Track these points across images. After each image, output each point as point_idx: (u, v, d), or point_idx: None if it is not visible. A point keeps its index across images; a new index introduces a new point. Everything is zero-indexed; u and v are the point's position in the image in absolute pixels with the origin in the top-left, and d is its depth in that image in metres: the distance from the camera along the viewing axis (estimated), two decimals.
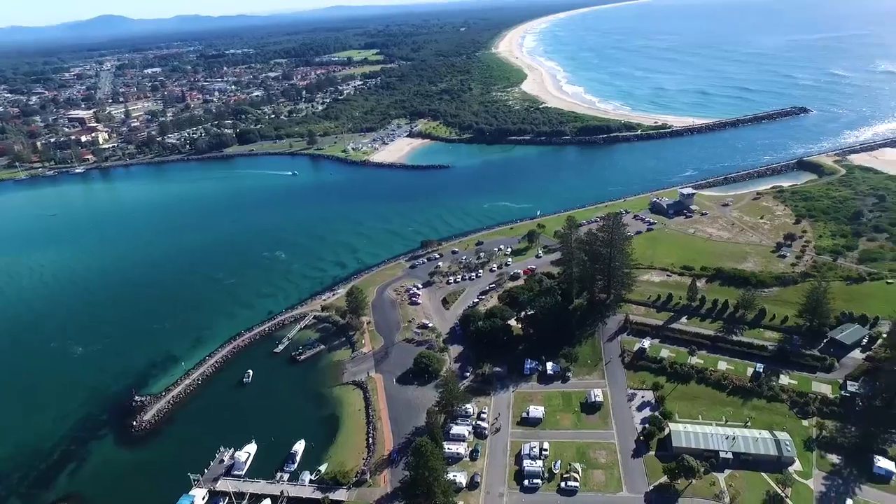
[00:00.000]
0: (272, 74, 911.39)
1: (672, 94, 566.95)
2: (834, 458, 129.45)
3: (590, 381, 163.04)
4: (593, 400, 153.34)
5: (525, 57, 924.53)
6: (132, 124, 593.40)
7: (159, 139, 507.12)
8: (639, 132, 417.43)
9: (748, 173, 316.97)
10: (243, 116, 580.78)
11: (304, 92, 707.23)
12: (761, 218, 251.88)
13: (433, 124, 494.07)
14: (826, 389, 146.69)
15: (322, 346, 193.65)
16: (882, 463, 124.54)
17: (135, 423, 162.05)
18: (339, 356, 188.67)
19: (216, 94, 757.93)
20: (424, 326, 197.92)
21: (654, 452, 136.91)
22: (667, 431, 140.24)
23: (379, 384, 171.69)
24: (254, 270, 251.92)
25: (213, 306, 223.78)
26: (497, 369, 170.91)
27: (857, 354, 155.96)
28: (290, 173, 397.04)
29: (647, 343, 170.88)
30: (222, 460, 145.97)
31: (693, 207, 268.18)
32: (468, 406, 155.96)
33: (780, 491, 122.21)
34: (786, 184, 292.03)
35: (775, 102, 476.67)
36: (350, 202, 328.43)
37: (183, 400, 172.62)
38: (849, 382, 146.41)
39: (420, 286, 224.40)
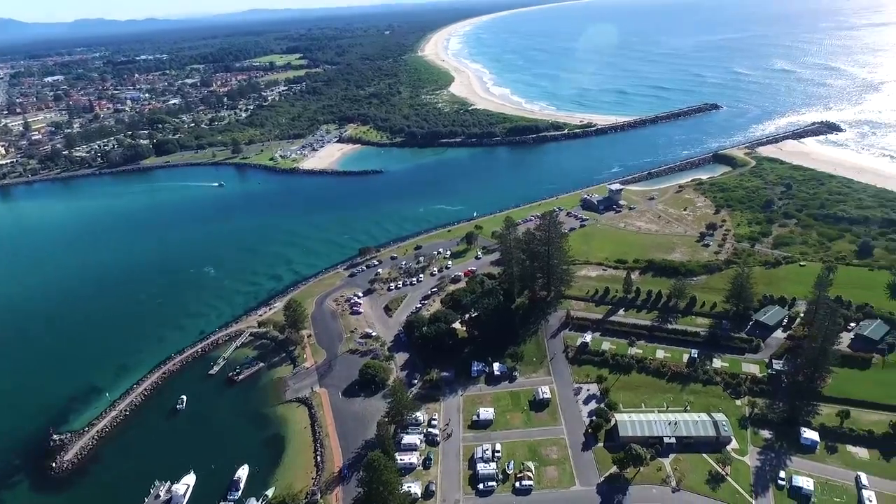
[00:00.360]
0: (189, 81, 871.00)
1: (594, 93, 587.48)
2: (766, 434, 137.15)
3: (536, 379, 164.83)
4: (541, 397, 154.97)
5: (451, 59, 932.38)
6: (33, 137, 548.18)
7: (66, 153, 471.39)
8: (566, 131, 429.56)
9: (669, 167, 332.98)
10: (160, 126, 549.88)
11: (225, 99, 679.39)
12: (684, 209, 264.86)
13: (363, 129, 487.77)
14: (755, 369, 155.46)
15: (261, 364, 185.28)
16: (808, 434, 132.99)
17: (54, 464, 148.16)
18: (280, 373, 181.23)
19: (128, 102, 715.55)
20: (368, 336, 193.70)
21: (602, 444, 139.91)
22: (613, 422, 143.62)
23: (324, 399, 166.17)
24: (182, 289, 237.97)
25: (138, 330, 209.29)
26: (445, 374, 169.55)
27: (779, 334, 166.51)
28: (216, 184, 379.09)
29: (588, 337, 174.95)
30: (158, 495, 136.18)
31: (622, 202, 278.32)
32: (418, 414, 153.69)
33: (720, 470, 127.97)
34: (704, 176, 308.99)
35: (688, 100, 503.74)
36: (282, 212, 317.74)
37: (110, 434, 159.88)
38: (774, 361, 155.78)
39: (361, 294, 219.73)
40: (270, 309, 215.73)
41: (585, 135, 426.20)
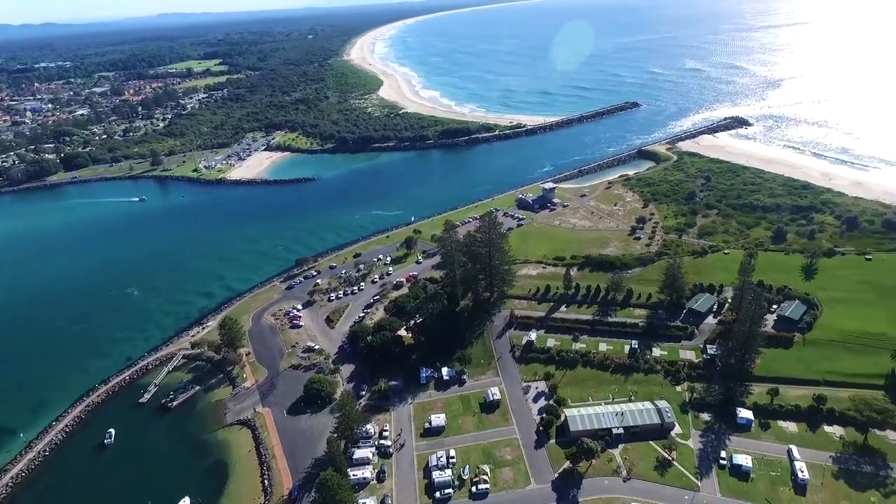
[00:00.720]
0: (98, 90, 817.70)
1: (520, 94, 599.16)
2: (705, 417, 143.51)
3: (485, 381, 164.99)
4: (491, 399, 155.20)
5: (378, 63, 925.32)
6: None
7: None
8: (497, 132, 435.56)
9: (598, 165, 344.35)
10: (67, 139, 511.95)
11: (139, 108, 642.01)
12: (615, 205, 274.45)
13: (292, 136, 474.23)
14: (691, 355, 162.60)
15: (197, 388, 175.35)
16: (743, 413, 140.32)
17: None
18: (219, 395, 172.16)
19: (28, 114, 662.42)
20: (310, 349, 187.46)
21: (554, 440, 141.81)
22: (563, 418, 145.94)
23: (268, 419, 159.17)
24: (103, 313, 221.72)
25: (56, 361, 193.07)
26: (393, 383, 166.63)
27: (710, 320, 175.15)
28: (136, 199, 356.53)
29: (533, 335, 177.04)
30: None
31: (555, 200, 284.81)
32: (368, 426, 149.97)
33: (667, 455, 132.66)
34: (631, 172, 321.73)
35: (609, 99, 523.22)
36: (210, 225, 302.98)
37: (27, 478, 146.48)
38: (708, 346, 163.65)
39: (300, 307, 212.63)
40: (204, 328, 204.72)
41: (516, 135, 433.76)
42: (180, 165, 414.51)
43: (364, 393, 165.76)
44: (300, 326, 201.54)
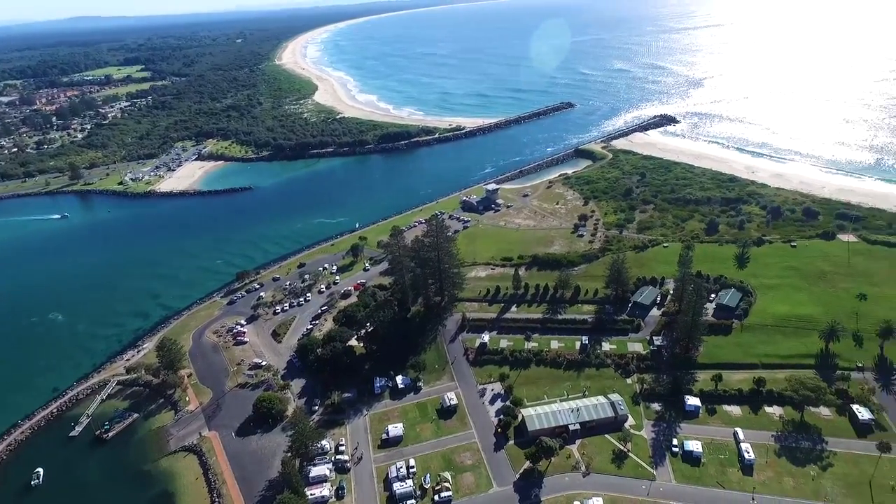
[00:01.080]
0: (5, 99, 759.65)
1: (457, 97, 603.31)
2: (656, 406, 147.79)
3: (441, 386, 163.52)
4: (448, 404, 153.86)
5: (311, 67, 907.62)
6: None
7: None
8: (437, 135, 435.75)
9: (538, 164, 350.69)
10: None
11: (54, 118, 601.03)
12: (557, 203, 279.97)
13: (224, 144, 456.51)
14: (639, 348, 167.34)
15: (135, 415, 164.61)
16: (691, 401, 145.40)
17: None
18: (160, 421, 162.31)
19: None
20: (257, 366, 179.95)
21: (513, 441, 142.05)
22: (520, 418, 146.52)
23: (216, 443, 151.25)
24: (23, 342, 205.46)
25: None
26: (347, 395, 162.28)
27: (655, 312, 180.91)
28: (56, 216, 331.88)
29: (486, 337, 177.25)
30: None
31: (499, 201, 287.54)
32: (324, 442, 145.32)
33: (622, 447, 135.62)
34: (570, 171, 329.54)
35: (544, 100, 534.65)
36: (141, 240, 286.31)
37: None
38: (654, 338, 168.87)
39: (244, 322, 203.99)
40: (139, 351, 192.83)
41: (456, 138, 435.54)
42: (104, 179, 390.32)
43: (317, 407, 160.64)
44: (245, 342, 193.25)
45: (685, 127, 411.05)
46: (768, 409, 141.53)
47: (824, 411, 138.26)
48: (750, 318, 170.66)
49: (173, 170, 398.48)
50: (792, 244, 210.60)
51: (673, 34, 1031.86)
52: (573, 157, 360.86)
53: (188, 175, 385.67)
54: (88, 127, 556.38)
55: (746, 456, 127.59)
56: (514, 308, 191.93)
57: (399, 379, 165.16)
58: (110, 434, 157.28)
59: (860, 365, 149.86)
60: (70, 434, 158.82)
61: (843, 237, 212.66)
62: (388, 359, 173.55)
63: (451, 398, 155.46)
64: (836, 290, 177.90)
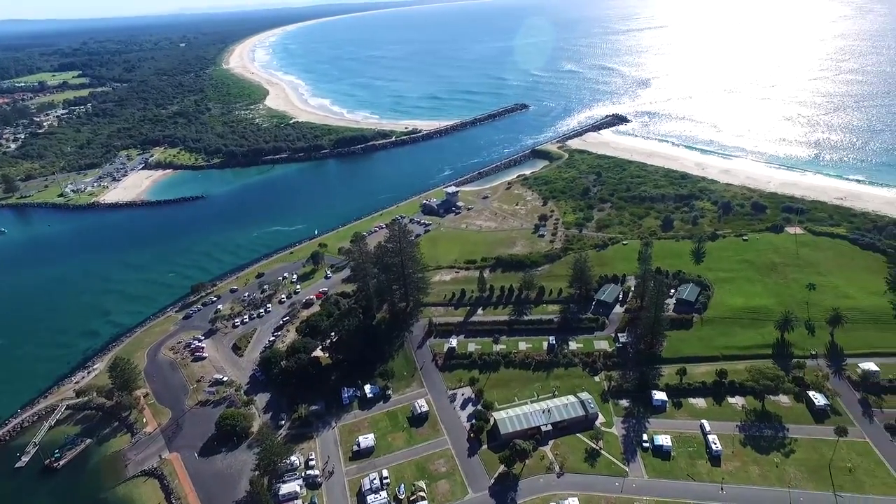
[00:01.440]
0: None
1: (411, 100, 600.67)
2: (624, 403, 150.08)
3: (411, 394, 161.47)
4: (419, 411, 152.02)
5: (261, 72, 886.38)
6: None
7: None
8: (393, 139, 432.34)
9: (496, 166, 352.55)
10: None
11: None
12: (517, 204, 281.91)
13: (172, 152, 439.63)
14: (605, 345, 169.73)
15: (88, 441, 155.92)
16: (658, 395, 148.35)
17: None
18: (116, 445, 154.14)
19: None
20: (218, 382, 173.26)
21: (486, 445, 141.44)
22: (492, 422, 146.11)
23: (177, 465, 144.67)
24: None
25: None
26: (314, 407, 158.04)
27: (618, 309, 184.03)
28: None
29: (454, 341, 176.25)
30: None
31: (459, 204, 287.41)
32: (293, 458, 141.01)
33: (594, 445, 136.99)
34: (527, 171, 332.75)
35: (496, 102, 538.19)
36: (86, 255, 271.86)
37: None
38: (619, 335, 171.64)
39: (202, 337, 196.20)
40: (90, 372, 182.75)
41: (412, 141, 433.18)
42: (42, 191, 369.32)
43: (284, 422, 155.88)
44: (204, 358, 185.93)
45: (636, 126, 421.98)
46: (731, 400, 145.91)
47: (783, 399, 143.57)
48: (709, 311, 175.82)
49: (118, 180, 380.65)
50: (744, 238, 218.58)
51: (618, 35, 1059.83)
52: (530, 157, 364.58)
53: (135, 185, 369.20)
54: (22, 136, 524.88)
55: (713, 447, 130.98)
56: (480, 311, 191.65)
57: (367, 388, 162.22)
58: (61, 462, 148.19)
59: (813, 353, 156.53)
60: (16, 465, 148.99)
61: (791, 230, 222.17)
62: (355, 368, 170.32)
63: (422, 405, 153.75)
64: (787, 280, 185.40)
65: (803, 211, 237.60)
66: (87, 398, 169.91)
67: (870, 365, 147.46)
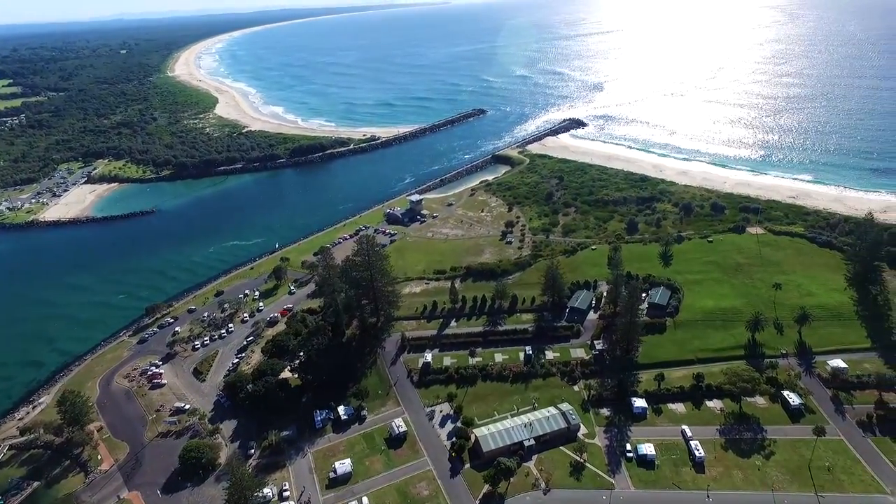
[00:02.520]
0: None
1: (365, 107, 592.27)
2: (605, 412, 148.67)
3: (387, 413, 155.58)
4: (397, 432, 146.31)
5: (209, 79, 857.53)
6: None
7: None
8: (351, 146, 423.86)
9: (458, 172, 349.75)
10: None
11: None
12: (482, 211, 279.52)
13: (118, 164, 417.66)
14: (581, 353, 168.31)
15: (36, 483, 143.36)
16: (638, 402, 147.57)
17: None
18: (68, 487, 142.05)
19: None
20: (180, 411, 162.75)
21: (469, 465, 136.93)
22: (473, 439, 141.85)
23: None
24: None
25: None
26: (285, 433, 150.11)
27: (592, 316, 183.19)
28: None
29: (428, 356, 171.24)
30: None
31: (424, 212, 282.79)
32: (265, 490, 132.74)
33: (578, 458, 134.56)
34: (490, 177, 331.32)
35: (451, 108, 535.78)
36: (25, 278, 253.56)
37: None
38: (594, 342, 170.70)
39: (159, 362, 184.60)
40: (35, 407, 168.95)
41: (371, 149, 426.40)
42: None
43: (253, 451, 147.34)
44: (163, 385, 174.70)
45: (593, 129, 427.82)
46: (709, 404, 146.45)
47: (759, 400, 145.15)
48: (680, 314, 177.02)
49: (59, 195, 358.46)
50: (708, 239, 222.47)
51: (567, 41, 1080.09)
52: (492, 163, 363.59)
53: (78, 201, 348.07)
54: None
55: (696, 454, 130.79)
56: (453, 323, 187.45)
57: (341, 409, 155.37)
58: None
59: (784, 352, 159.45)
60: None
61: (752, 230, 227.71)
62: (327, 389, 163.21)
63: (400, 425, 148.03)
64: (754, 281, 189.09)
65: (760, 210, 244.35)
66: (32, 436, 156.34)
67: (838, 362, 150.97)
